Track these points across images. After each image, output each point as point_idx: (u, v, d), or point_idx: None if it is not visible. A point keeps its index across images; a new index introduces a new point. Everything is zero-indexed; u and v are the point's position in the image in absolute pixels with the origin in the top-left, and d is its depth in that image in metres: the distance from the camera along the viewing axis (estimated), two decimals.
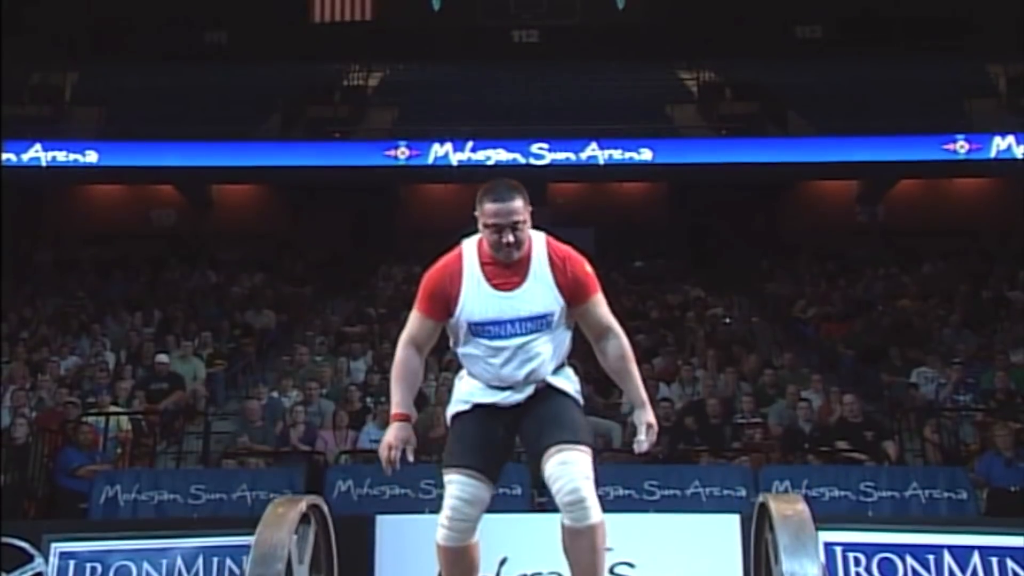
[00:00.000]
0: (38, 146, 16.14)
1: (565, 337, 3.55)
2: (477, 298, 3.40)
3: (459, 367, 3.68)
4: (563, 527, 3.32)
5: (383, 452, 3.39)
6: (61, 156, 16.23)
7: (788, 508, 2.85)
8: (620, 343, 3.52)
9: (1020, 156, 16.03)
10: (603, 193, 18.14)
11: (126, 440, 9.47)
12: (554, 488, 3.31)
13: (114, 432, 9.28)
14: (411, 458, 3.43)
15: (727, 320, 13.73)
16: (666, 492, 7.88)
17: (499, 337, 3.40)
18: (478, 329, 3.41)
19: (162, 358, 11.18)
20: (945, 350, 11.55)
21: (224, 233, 17.77)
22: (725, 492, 7.93)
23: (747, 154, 16.50)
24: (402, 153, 16.53)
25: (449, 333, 3.54)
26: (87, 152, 16.36)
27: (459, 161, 16.42)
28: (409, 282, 15.40)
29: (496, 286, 3.40)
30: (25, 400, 9.62)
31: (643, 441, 3.47)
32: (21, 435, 8.74)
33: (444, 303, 3.43)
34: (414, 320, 3.51)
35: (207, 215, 18.45)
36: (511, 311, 3.38)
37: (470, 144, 16.37)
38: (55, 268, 16.27)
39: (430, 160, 16.51)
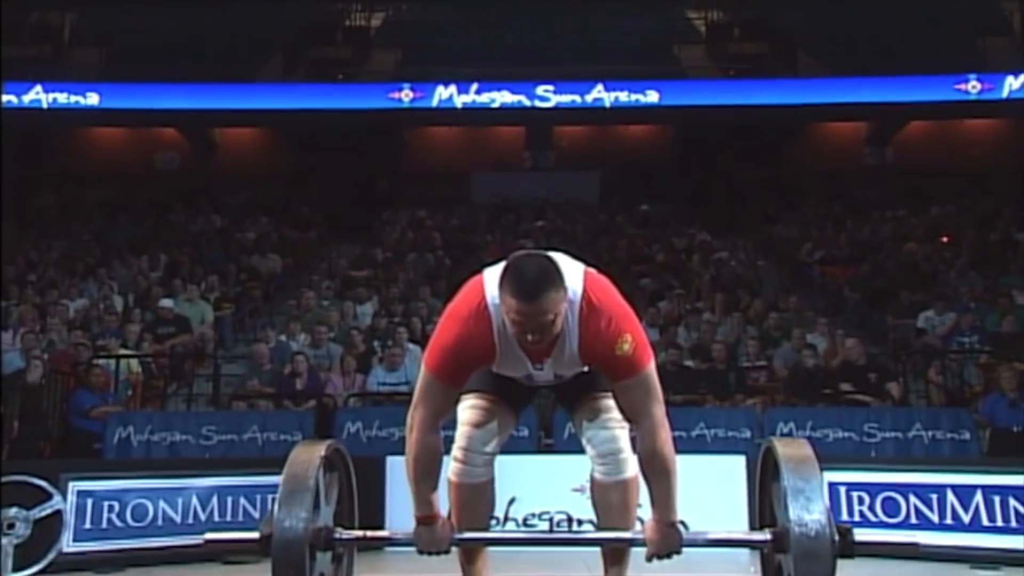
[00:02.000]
0: (39, 87, 16.14)
1: None
2: (507, 359, 2.97)
3: None
4: (593, 480, 3.15)
5: (424, 553, 3.01)
6: (62, 98, 16.24)
7: (794, 452, 2.84)
8: (651, 443, 2.91)
9: None
10: (609, 136, 18.06)
11: (137, 382, 9.57)
12: (586, 437, 3.15)
13: (125, 374, 9.35)
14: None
15: (733, 263, 13.75)
16: (672, 434, 7.95)
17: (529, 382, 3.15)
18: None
19: (166, 302, 11.25)
20: (951, 293, 11.59)
21: (228, 176, 17.79)
22: (730, 434, 7.99)
23: (756, 96, 16.42)
24: (406, 95, 16.48)
25: None
26: (88, 94, 16.35)
27: (464, 103, 16.38)
28: (414, 227, 15.48)
29: (527, 351, 2.93)
30: (36, 342, 9.69)
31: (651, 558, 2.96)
32: (36, 377, 8.84)
33: (473, 370, 3.01)
34: (436, 394, 2.96)
35: (211, 158, 18.46)
36: (540, 379, 3.09)
37: (475, 86, 16.31)
38: (60, 211, 16.33)
39: (434, 102, 16.47)
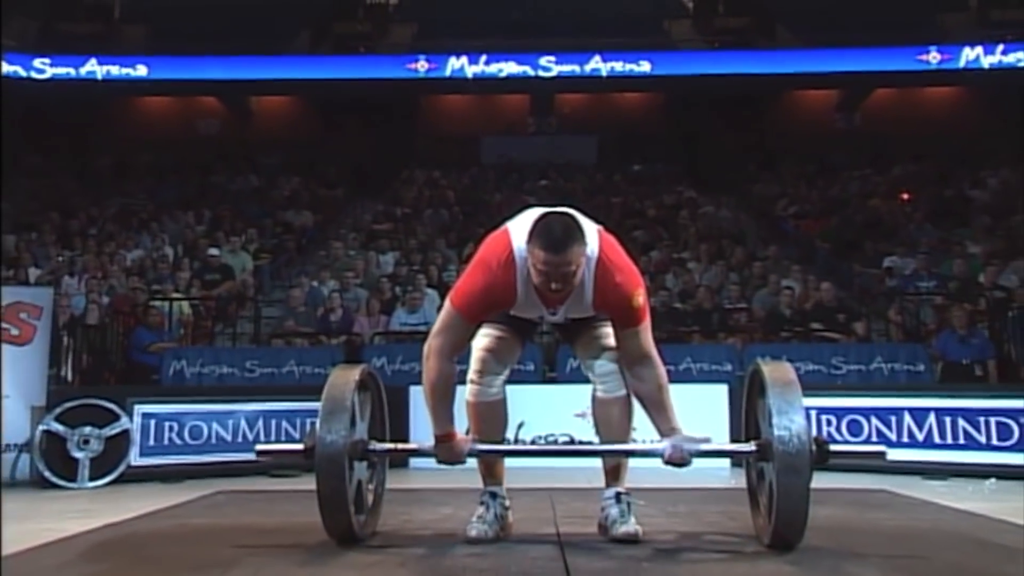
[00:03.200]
0: (93, 60, 16.09)
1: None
2: (525, 304, 3.05)
3: None
4: (595, 398, 3.19)
5: (445, 463, 3.07)
6: (114, 70, 16.20)
7: (778, 374, 2.86)
8: (656, 373, 3.06)
9: (986, 66, 15.85)
10: (605, 102, 17.96)
11: (188, 322, 9.63)
12: (588, 361, 3.20)
13: (177, 315, 9.40)
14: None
15: (716, 218, 13.74)
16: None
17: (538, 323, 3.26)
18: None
19: (213, 251, 11.32)
20: (911, 243, 11.61)
21: (263, 140, 17.73)
22: (714, 367, 8.04)
23: (738, 66, 16.34)
24: (422, 66, 16.39)
25: None
26: (137, 66, 16.31)
27: (474, 73, 16.30)
28: (430, 185, 15.47)
29: (542, 296, 2.99)
30: (98, 287, 9.79)
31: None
32: (95, 318, 8.95)
33: (495, 311, 3.09)
34: (458, 328, 3.03)
35: (247, 124, 18.39)
36: (550, 318, 3.15)
37: (484, 57, 16.22)
38: (115, 172, 16.32)
39: (447, 72, 16.39)
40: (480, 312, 3.02)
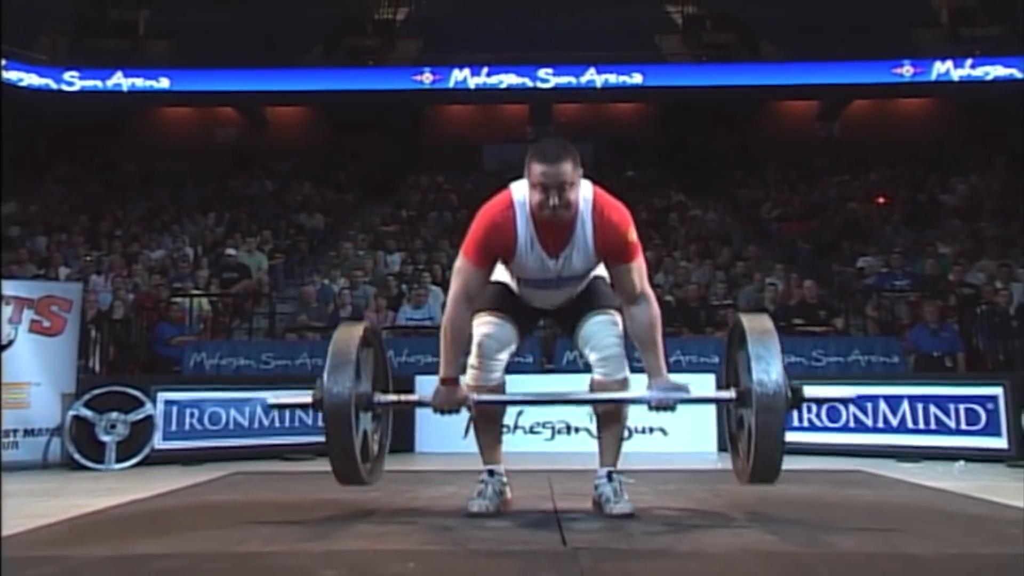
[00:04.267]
0: (119, 73, 16.16)
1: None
2: (528, 256, 2.99)
3: None
4: (594, 381, 3.12)
5: (439, 413, 3.02)
6: (139, 82, 16.26)
7: (757, 324, 2.83)
8: (650, 311, 3.02)
9: (956, 79, 15.92)
10: (600, 112, 17.98)
11: (207, 318, 9.63)
12: (588, 346, 3.13)
13: (197, 311, 9.41)
14: (467, 413, 3.11)
15: (705, 220, 13.75)
16: None
17: (542, 288, 3.13)
18: (524, 281, 3.14)
19: (231, 252, 11.33)
20: (886, 243, 11.62)
21: (278, 148, 17.74)
22: (702, 359, 8.03)
23: (725, 78, 16.36)
24: (427, 78, 16.42)
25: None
26: (160, 79, 16.35)
27: (476, 84, 16.32)
28: (434, 190, 15.48)
29: (544, 246, 2.97)
30: (123, 284, 9.80)
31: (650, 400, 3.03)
32: (120, 313, 8.97)
33: (499, 256, 3.02)
34: (468, 273, 2.98)
35: (263, 132, 18.41)
36: (554, 272, 3.03)
37: (485, 70, 16.25)
38: (140, 177, 16.33)
39: (451, 84, 16.41)
40: (484, 255, 2.96)
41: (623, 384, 3.10)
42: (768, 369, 2.69)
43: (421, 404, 3.18)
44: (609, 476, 3.12)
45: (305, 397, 2.92)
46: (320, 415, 2.84)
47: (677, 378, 3.05)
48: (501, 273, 3.15)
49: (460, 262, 3.01)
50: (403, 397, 3.28)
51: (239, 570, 2.18)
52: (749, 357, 2.75)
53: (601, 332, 3.11)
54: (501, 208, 2.98)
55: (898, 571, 2.12)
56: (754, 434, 2.73)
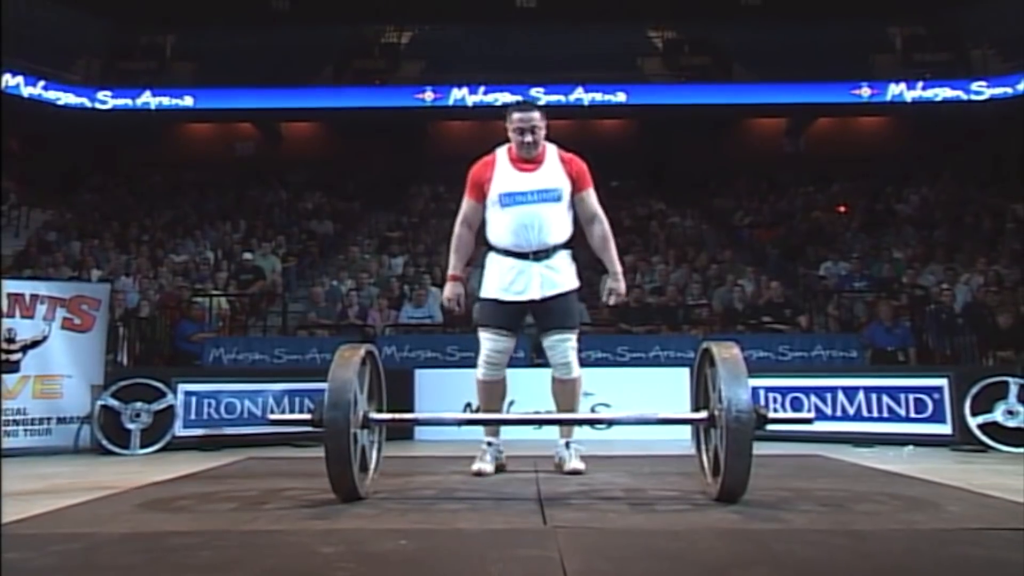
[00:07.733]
0: (148, 93, 16.13)
1: (568, 217, 3.70)
2: (505, 176, 3.64)
3: (486, 250, 3.80)
4: (554, 379, 3.74)
5: (445, 304, 3.85)
6: (166, 101, 16.24)
7: (726, 351, 2.85)
8: (604, 228, 3.76)
9: (910, 100, 16.04)
10: (587, 128, 17.89)
11: (225, 316, 9.66)
12: (550, 354, 3.72)
13: (216, 310, 9.45)
14: (459, 309, 3.85)
15: (682, 227, 13.77)
16: (634, 355, 7.98)
17: (521, 204, 3.61)
18: (506, 199, 3.62)
19: (247, 255, 11.33)
20: (846, 249, 11.67)
21: (291, 160, 17.71)
22: (678, 354, 8.02)
23: (701, 97, 16.37)
24: (428, 96, 16.41)
25: (486, 211, 3.71)
26: (185, 97, 16.32)
27: (474, 102, 16.32)
28: (435, 199, 15.47)
29: (520, 168, 3.63)
30: (149, 285, 9.80)
31: (610, 298, 3.74)
32: (146, 312, 8.96)
33: (483, 185, 3.67)
34: (465, 205, 3.74)
35: (278, 146, 18.37)
36: (530, 184, 3.61)
37: (482, 89, 16.25)
38: (165, 188, 16.31)
39: (451, 101, 16.41)
40: (476, 188, 3.68)
41: (576, 381, 3.72)
42: (736, 395, 2.69)
43: (417, 422, 3.38)
44: (567, 444, 3.82)
45: (304, 416, 2.93)
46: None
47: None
48: (493, 290, 3.68)
49: (463, 201, 3.75)
50: (397, 416, 3.48)
51: (247, 546, 2.19)
52: (718, 379, 2.78)
53: (559, 347, 3.69)
54: (484, 158, 3.73)
55: (845, 545, 2.13)
56: (724, 455, 2.73)
